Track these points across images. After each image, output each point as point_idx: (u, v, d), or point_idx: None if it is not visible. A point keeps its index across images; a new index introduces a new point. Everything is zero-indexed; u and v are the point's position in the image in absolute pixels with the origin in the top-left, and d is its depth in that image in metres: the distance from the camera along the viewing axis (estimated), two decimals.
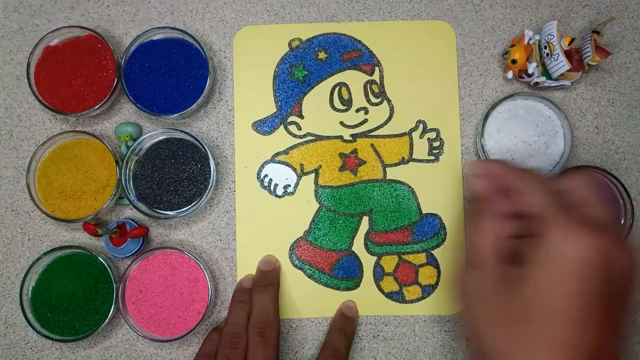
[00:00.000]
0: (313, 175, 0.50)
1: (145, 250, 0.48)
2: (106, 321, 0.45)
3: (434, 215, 0.49)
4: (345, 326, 0.47)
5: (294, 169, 0.50)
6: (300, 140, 0.50)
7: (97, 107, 0.47)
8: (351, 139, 0.50)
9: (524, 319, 0.32)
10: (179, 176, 0.47)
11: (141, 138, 0.47)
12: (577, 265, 0.31)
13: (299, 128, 0.50)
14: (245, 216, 0.49)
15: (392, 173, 0.50)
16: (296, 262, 0.49)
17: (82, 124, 0.50)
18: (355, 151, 0.50)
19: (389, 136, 0.50)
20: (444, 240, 0.49)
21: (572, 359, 0.31)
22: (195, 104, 0.47)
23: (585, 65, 0.47)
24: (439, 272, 0.49)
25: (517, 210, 0.36)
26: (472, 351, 0.37)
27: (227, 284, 0.49)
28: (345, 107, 0.50)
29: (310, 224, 0.49)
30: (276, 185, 0.49)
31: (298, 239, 0.49)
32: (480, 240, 0.36)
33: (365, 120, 0.50)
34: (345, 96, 0.50)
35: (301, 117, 0.50)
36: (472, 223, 0.38)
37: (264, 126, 0.50)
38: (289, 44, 0.51)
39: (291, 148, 0.50)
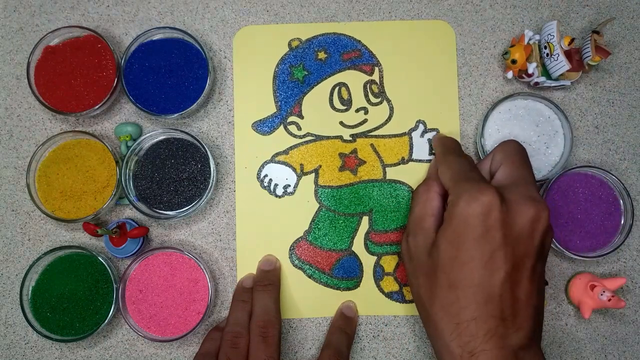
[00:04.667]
0: (313, 175, 0.50)
1: (145, 250, 0.48)
2: (106, 321, 0.46)
3: None
4: (345, 326, 0.47)
5: (294, 169, 0.50)
6: (300, 140, 0.50)
7: (97, 107, 0.47)
8: (351, 139, 0.50)
9: (440, 268, 0.38)
10: (179, 176, 0.47)
11: (141, 138, 0.47)
12: (477, 217, 0.37)
13: (299, 128, 0.50)
14: (245, 216, 0.49)
15: (392, 173, 0.50)
16: (296, 262, 0.49)
17: (82, 124, 0.50)
18: (355, 151, 0.50)
19: (389, 136, 0.50)
20: None
21: (483, 296, 0.36)
22: (195, 104, 0.47)
23: (585, 65, 0.47)
24: None
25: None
26: (416, 304, 0.42)
27: (227, 284, 0.49)
28: (345, 107, 0.50)
29: (310, 224, 0.49)
30: (276, 185, 0.49)
31: (298, 238, 0.49)
32: (415, 213, 0.43)
33: (365, 120, 0.50)
34: (345, 96, 0.50)
35: (301, 117, 0.50)
36: (413, 199, 0.45)
37: (264, 126, 0.50)
38: (289, 44, 0.51)
39: (291, 148, 0.50)
